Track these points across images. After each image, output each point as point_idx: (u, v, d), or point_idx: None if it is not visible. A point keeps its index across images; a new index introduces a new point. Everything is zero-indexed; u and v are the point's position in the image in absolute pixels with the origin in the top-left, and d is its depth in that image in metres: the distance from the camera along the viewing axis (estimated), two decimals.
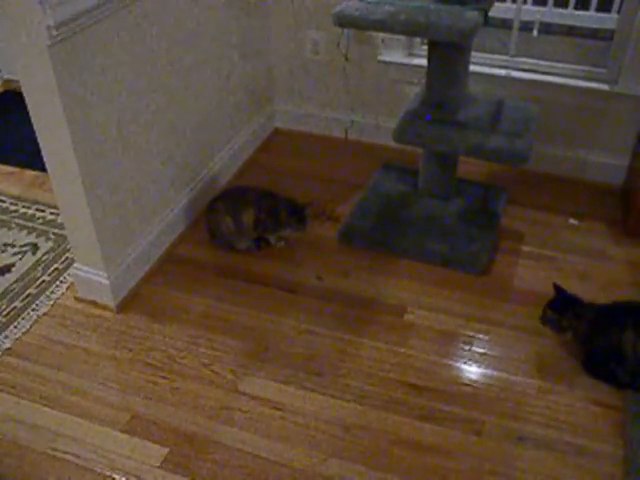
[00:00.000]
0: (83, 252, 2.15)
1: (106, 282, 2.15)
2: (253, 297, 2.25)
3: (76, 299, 2.25)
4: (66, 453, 1.79)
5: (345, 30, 2.76)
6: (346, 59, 2.86)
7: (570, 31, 3.91)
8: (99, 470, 1.74)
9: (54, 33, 1.68)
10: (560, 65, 2.69)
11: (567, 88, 2.63)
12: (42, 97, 1.80)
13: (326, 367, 2.00)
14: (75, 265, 2.20)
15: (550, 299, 1.99)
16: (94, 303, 2.22)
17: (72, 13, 1.72)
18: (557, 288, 1.99)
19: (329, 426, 1.84)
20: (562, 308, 1.96)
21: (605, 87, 2.59)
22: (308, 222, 2.37)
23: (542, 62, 2.71)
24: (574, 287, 2.22)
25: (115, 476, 1.73)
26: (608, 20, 3.59)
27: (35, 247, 2.48)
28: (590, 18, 3.71)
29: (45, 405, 1.91)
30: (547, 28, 3.89)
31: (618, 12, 3.33)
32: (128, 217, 2.20)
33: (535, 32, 3.86)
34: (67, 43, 1.75)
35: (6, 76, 3.61)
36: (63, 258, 2.42)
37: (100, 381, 1.98)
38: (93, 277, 2.17)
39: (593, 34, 3.84)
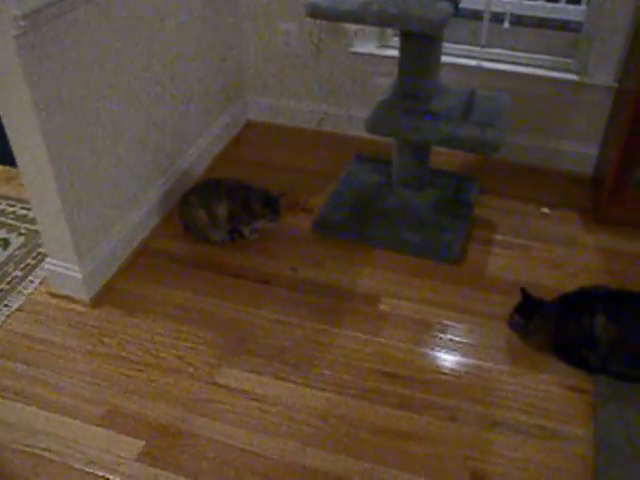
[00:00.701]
0: (56, 247, 2.13)
1: (79, 276, 2.13)
2: (228, 289, 2.25)
3: (49, 294, 2.23)
4: (42, 449, 1.77)
5: (317, 21, 2.76)
6: (318, 51, 2.85)
7: (541, 23, 3.95)
8: (76, 465, 1.74)
9: (21, 24, 1.65)
10: (530, 56, 2.72)
11: (537, 78, 2.67)
12: (10, 89, 1.77)
13: (302, 357, 2.01)
14: (48, 260, 2.18)
15: (517, 304, 2.01)
16: (68, 298, 2.20)
17: (40, 3, 1.69)
18: (524, 292, 2.01)
19: (306, 416, 1.85)
20: (529, 313, 1.98)
21: (574, 77, 2.63)
22: (281, 213, 2.38)
23: (512, 53, 2.74)
24: (546, 275, 2.26)
25: (92, 470, 1.72)
26: (578, 12, 3.63)
27: (6, 242, 2.45)
28: (560, 10, 3.74)
29: (19, 402, 1.90)
30: (519, 20, 3.92)
31: (587, 4, 3.36)
32: (101, 211, 2.18)
33: (506, 24, 3.89)
34: (35, 34, 1.73)
35: None
36: (35, 253, 2.40)
37: (75, 376, 1.97)
38: (66, 272, 2.15)
39: (564, 26, 3.88)
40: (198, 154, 2.75)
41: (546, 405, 1.86)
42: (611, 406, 1.82)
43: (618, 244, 2.41)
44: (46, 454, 1.76)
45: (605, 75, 2.56)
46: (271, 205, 2.33)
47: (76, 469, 1.73)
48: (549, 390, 1.91)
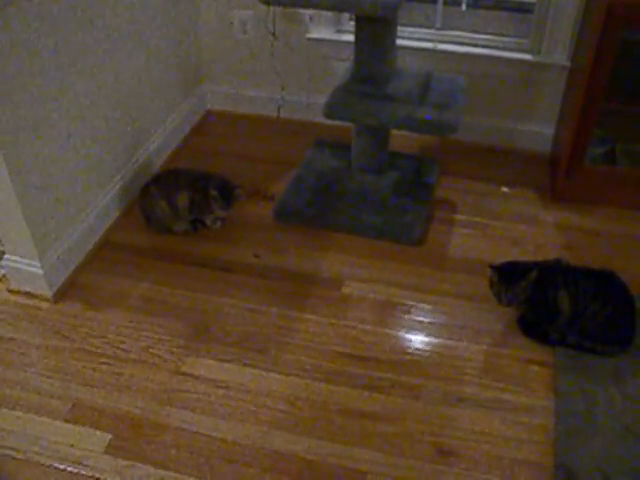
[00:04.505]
0: (14, 243, 2.10)
1: (41, 272, 2.11)
2: (192, 279, 2.24)
3: (9, 291, 2.20)
4: (7, 448, 1.76)
5: (272, 8, 2.75)
6: (274, 37, 2.85)
7: (498, 4, 3.99)
8: (42, 461, 1.73)
9: None
10: (484, 37, 2.74)
11: (493, 59, 2.69)
12: None
13: (267, 343, 2.01)
14: (7, 257, 2.15)
15: (499, 265, 1.99)
16: (29, 294, 2.18)
17: None
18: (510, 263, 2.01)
19: (273, 401, 1.86)
20: (510, 279, 1.96)
21: (529, 57, 2.66)
22: (233, 203, 2.35)
23: (467, 34, 2.76)
24: (507, 252, 2.30)
25: (60, 466, 1.71)
26: None
27: None
28: None
29: None
30: (476, 2, 3.95)
31: None
32: (60, 206, 2.15)
33: (464, 6, 3.92)
34: None
35: None
36: None
37: (39, 372, 1.95)
38: (26, 268, 2.12)
39: (520, 7, 3.93)
40: (158, 145, 2.73)
41: (509, 379, 1.90)
42: (570, 377, 1.86)
43: (575, 220, 2.46)
44: (10, 452, 1.75)
45: (558, 54, 2.60)
46: (225, 193, 2.32)
47: (43, 465, 1.72)
48: (512, 365, 1.94)
